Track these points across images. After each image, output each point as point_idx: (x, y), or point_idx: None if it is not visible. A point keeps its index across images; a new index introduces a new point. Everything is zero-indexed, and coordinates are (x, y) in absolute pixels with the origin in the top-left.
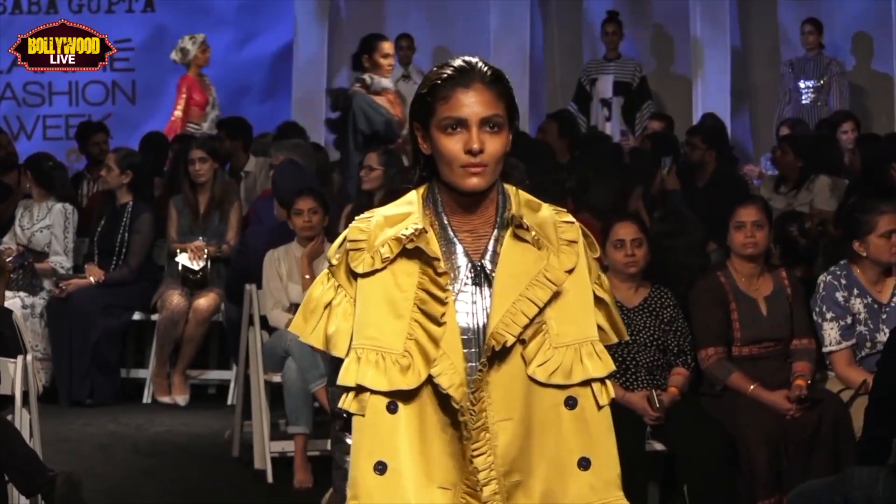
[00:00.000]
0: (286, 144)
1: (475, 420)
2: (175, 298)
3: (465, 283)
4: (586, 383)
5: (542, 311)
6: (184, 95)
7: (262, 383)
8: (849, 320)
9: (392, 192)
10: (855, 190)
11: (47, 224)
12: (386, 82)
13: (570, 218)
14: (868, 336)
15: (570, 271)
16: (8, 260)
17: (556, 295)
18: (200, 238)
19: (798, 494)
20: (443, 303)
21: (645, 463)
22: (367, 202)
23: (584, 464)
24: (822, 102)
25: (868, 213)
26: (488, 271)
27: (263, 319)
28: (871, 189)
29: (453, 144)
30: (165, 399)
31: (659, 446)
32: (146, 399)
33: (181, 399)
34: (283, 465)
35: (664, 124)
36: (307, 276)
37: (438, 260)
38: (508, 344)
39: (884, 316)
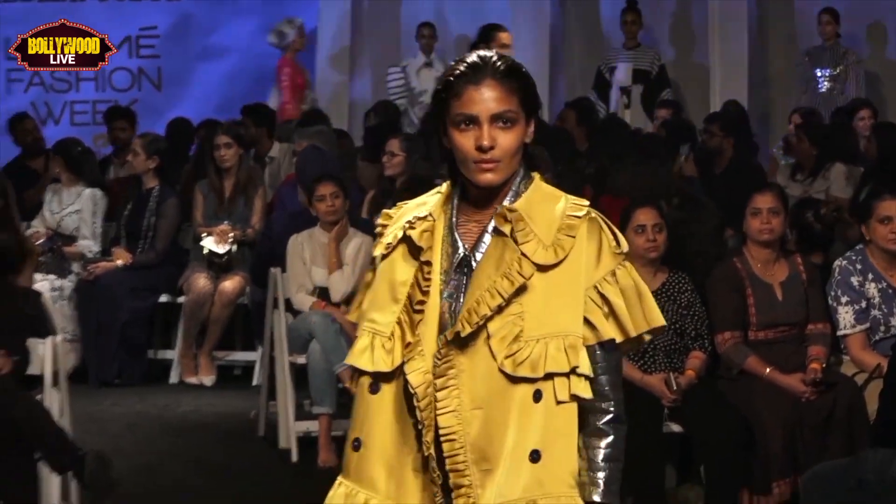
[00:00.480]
0: (309, 131)
1: (430, 410)
2: (201, 281)
3: (455, 273)
4: (549, 377)
5: (509, 303)
6: (287, 80)
7: (287, 364)
8: (863, 304)
9: (414, 178)
10: (871, 177)
11: (77, 209)
12: None
13: (582, 212)
14: (882, 320)
15: (551, 266)
16: (37, 243)
17: (532, 288)
18: (226, 222)
19: (812, 476)
20: (422, 291)
21: (662, 444)
22: (389, 188)
23: (535, 456)
24: (839, 91)
25: (873, 198)
26: (472, 262)
27: (288, 302)
28: (888, 176)
29: (466, 141)
30: (192, 379)
31: (676, 428)
32: (173, 379)
33: (207, 380)
34: (308, 445)
35: (671, 111)
36: (334, 260)
37: (423, 250)
38: (463, 334)
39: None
